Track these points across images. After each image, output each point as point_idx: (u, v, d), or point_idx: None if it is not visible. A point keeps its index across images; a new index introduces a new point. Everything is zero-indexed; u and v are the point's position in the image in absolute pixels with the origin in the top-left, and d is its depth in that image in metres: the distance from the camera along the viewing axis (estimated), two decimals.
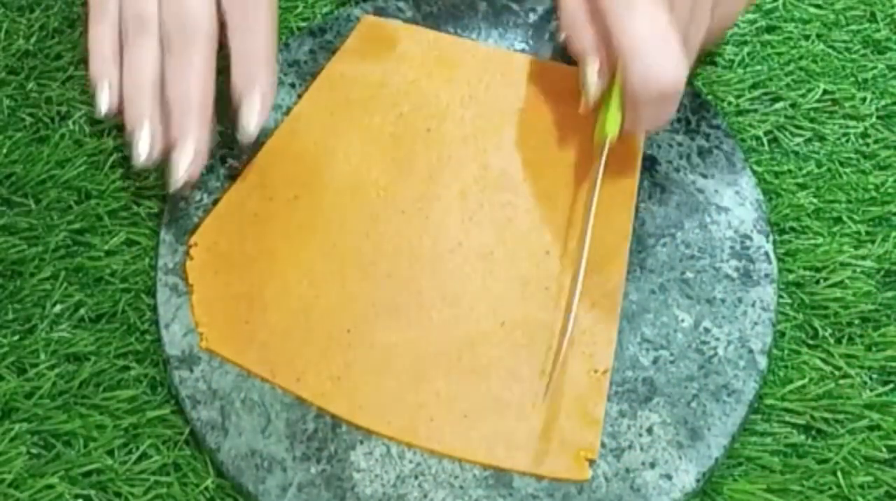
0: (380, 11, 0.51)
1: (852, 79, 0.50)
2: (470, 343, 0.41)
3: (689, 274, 0.43)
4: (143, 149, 0.41)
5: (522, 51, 0.49)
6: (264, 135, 0.46)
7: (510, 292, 0.42)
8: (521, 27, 0.50)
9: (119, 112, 0.42)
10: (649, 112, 0.40)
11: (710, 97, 0.49)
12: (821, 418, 0.40)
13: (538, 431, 0.39)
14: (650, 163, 0.46)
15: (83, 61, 0.49)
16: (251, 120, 0.41)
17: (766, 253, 0.43)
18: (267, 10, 0.42)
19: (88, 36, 0.43)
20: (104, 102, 0.42)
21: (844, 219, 0.45)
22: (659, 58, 0.38)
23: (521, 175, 0.45)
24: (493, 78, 0.48)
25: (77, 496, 0.38)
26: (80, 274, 0.43)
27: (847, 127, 0.48)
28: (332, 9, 0.52)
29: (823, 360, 0.42)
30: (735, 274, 0.43)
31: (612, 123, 0.41)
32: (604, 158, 0.42)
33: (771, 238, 0.44)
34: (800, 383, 0.41)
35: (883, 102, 0.49)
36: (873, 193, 0.46)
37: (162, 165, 0.42)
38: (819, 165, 0.47)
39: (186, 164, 0.40)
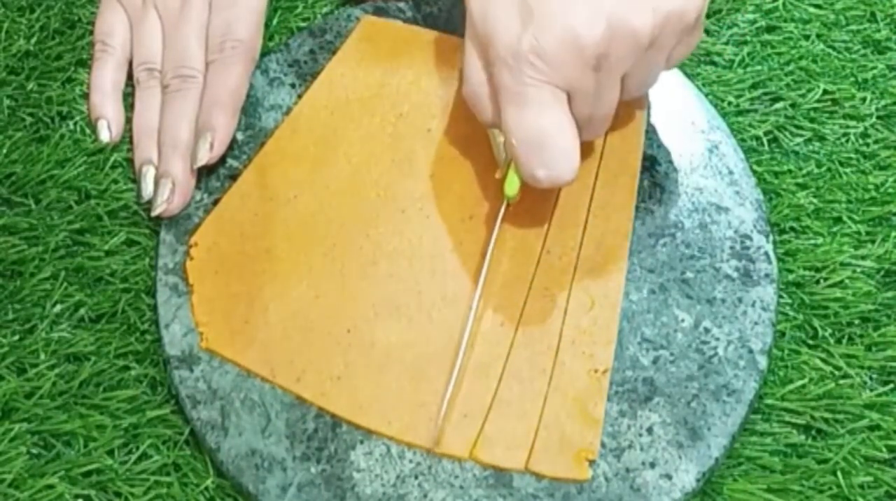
0: (380, 11, 0.51)
1: (852, 79, 0.50)
2: (470, 343, 0.41)
3: (689, 274, 0.43)
4: (150, 185, 0.45)
5: None
6: (264, 135, 0.47)
7: (510, 292, 0.42)
8: None
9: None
10: (546, 188, 0.40)
11: (710, 97, 0.49)
12: (821, 418, 0.40)
13: (538, 431, 0.39)
14: (650, 163, 0.46)
15: (83, 63, 0.49)
16: (200, 156, 0.44)
17: (766, 254, 0.43)
18: (242, 61, 0.46)
19: (92, 71, 0.48)
20: (105, 137, 0.47)
21: (844, 219, 0.45)
22: (544, 158, 0.39)
23: None
24: None
25: (77, 496, 0.38)
26: (80, 274, 0.43)
27: (847, 127, 0.48)
28: (332, 9, 0.52)
29: (823, 360, 0.42)
30: (735, 274, 0.43)
31: (510, 187, 0.41)
32: (502, 213, 0.42)
33: (771, 238, 0.44)
34: (800, 383, 0.41)
35: (883, 102, 0.49)
36: (873, 193, 0.46)
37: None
38: (819, 165, 0.47)
39: (165, 196, 0.44)
